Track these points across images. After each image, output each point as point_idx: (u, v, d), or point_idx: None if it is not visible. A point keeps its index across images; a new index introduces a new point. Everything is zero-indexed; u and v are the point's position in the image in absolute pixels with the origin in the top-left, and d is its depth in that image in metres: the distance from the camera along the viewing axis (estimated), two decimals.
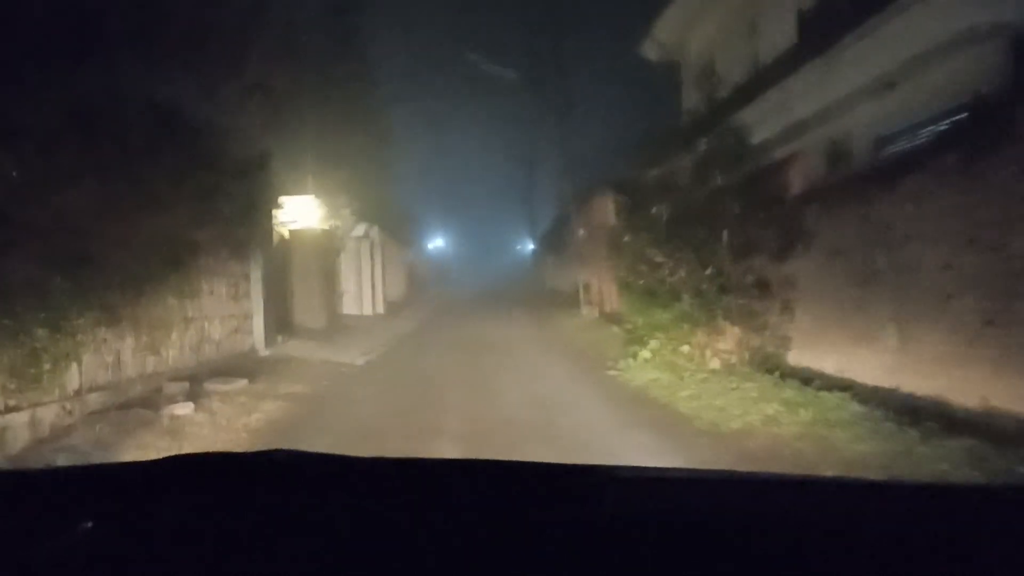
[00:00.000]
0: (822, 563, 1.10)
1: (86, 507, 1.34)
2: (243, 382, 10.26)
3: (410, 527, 1.23)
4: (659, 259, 10.27)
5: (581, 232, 24.19)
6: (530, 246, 63.34)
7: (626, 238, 11.17)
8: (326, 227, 21.53)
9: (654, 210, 10.17)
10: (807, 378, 8.92)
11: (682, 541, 1.16)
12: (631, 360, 11.44)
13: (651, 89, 27.96)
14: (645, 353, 10.99)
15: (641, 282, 10.84)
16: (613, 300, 22.33)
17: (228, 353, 12.77)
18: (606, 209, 23.10)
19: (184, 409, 8.14)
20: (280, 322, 18.14)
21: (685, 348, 10.38)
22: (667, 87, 25.97)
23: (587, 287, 24.02)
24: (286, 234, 20.51)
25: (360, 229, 27.17)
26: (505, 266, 64.82)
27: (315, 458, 1.51)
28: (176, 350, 10.53)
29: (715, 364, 10.12)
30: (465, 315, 27.99)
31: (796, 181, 10.19)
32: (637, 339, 11.47)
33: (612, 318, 20.90)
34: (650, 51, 23.08)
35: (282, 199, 20.67)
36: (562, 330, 20.36)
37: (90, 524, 1.23)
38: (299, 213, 20.80)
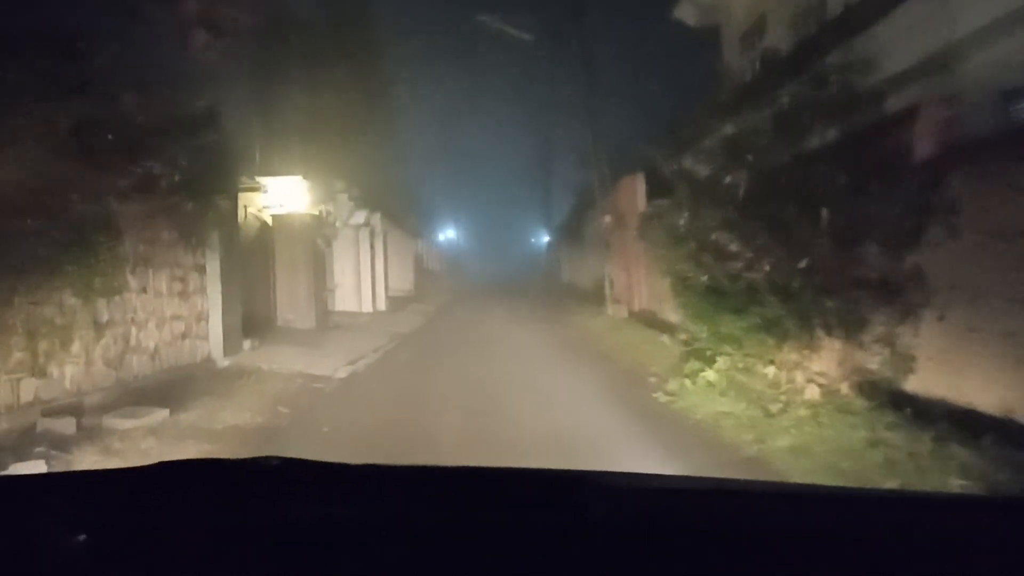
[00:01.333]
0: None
1: (76, 513, 1.34)
2: (163, 413, 7.55)
3: (403, 534, 1.24)
4: (733, 247, 7.49)
5: (607, 219, 21.37)
6: (545, 238, 61.02)
7: (681, 220, 8.38)
8: (316, 212, 18.80)
9: (728, 179, 7.37)
10: (957, 419, 6.13)
11: (677, 550, 1.16)
12: (687, 381, 8.68)
13: (684, 59, 25.11)
14: (709, 373, 8.22)
15: (704, 278, 8.06)
16: (644, 296, 19.53)
17: (171, 365, 10.10)
18: (635, 194, 20.34)
19: (34, 467, 5.42)
20: (256, 322, 15.46)
21: (769, 370, 7.60)
22: (702, 56, 23.14)
23: (613, 282, 21.22)
24: (268, 219, 17.86)
25: (360, 216, 24.49)
26: (519, 258, 62.28)
27: (308, 465, 1.48)
28: (78, 367, 7.83)
29: (812, 393, 7.33)
30: (475, 312, 25.26)
31: (925, 141, 7.37)
32: (697, 353, 8.73)
33: (644, 318, 18.12)
34: (687, 13, 20.22)
35: (263, 180, 18.08)
36: (587, 333, 17.55)
37: (83, 537, 1.22)
38: (285, 196, 18.14)
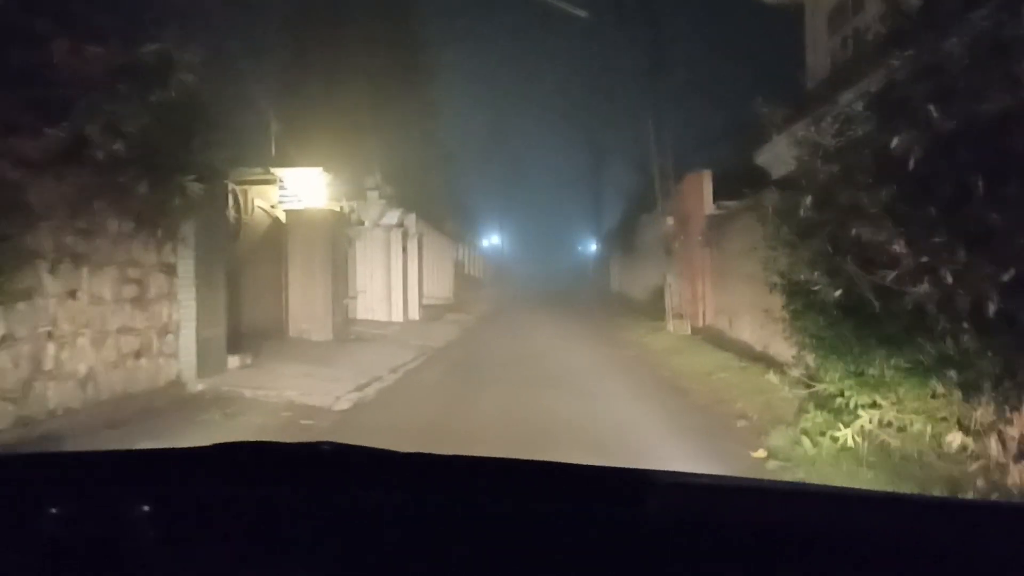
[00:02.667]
0: None
1: (138, 487, 1.39)
2: None
3: (452, 525, 1.26)
4: (895, 246, 4.91)
5: (669, 222, 18.73)
6: (593, 246, 58.68)
7: (802, 209, 5.79)
8: (336, 209, 16.54)
9: (895, 143, 4.78)
10: None
11: (722, 552, 1.16)
12: (806, 440, 6.09)
13: (757, 45, 22.44)
14: (846, 433, 5.60)
15: (838, 292, 5.46)
16: (710, 310, 16.87)
17: (116, 394, 7.82)
18: (701, 194, 17.71)
19: None
20: (261, 333, 13.24)
21: (955, 438, 4.98)
22: (777, 41, 20.48)
23: (674, 293, 18.59)
24: (281, 215, 15.65)
25: (392, 216, 22.26)
26: (566, 266, 59.83)
27: (360, 451, 1.48)
28: None
29: (1021, 476, 4.70)
30: (517, 325, 22.78)
31: None
32: (823, 400, 6.13)
33: (711, 336, 15.48)
34: None
35: (278, 171, 15.90)
36: (647, 353, 14.89)
37: (146, 508, 1.28)
38: (302, 190, 15.92)
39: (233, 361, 10.48)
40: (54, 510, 1.29)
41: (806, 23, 16.46)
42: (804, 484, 3.69)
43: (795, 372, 6.64)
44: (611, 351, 15.06)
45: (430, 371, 12.65)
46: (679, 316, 17.72)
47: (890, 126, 5.05)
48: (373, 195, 21.38)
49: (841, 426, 5.69)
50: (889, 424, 5.51)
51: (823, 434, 5.98)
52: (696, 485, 1.54)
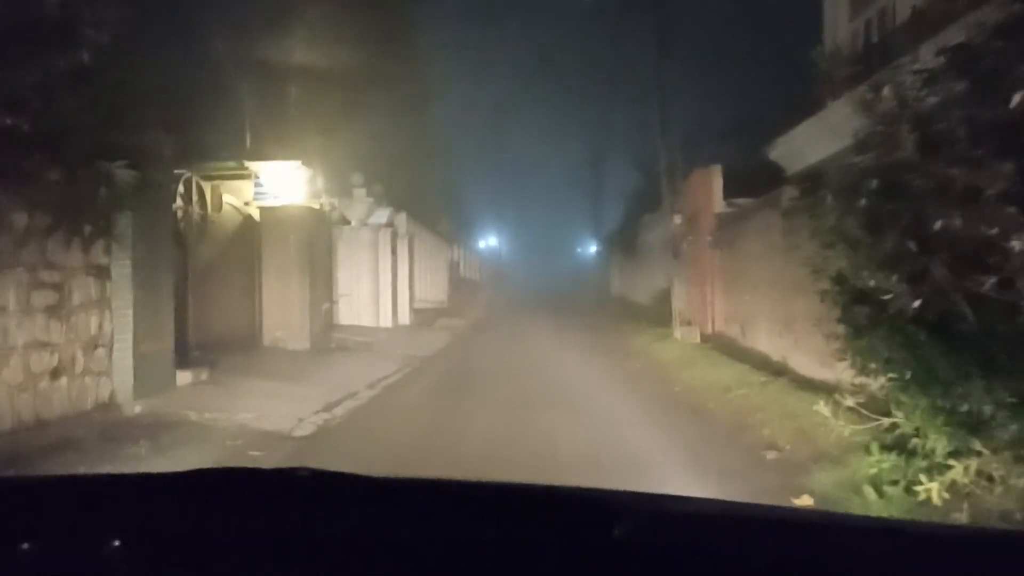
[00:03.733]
0: None
1: (109, 516, 1.36)
2: None
3: (431, 550, 1.24)
4: (1017, 245, 3.62)
5: (676, 220, 17.42)
6: (592, 247, 57.57)
7: (864, 198, 4.49)
8: (316, 206, 15.22)
9: (1017, 100, 3.49)
10: None
11: None
12: (869, 491, 4.76)
13: (768, 32, 21.14)
14: (931, 486, 4.28)
15: (916, 303, 4.16)
16: (721, 317, 15.56)
17: (27, 420, 6.49)
18: (710, 190, 16.45)
19: None
20: (231, 343, 11.95)
21: None
22: (789, 29, 19.25)
23: (682, 298, 17.27)
24: (256, 213, 14.33)
25: (381, 215, 21.00)
26: (565, 268, 58.50)
27: (338, 477, 1.45)
28: None
29: None
30: (513, 330, 21.45)
31: None
32: (896, 440, 4.83)
33: (723, 344, 14.20)
34: None
35: (253, 165, 14.59)
36: (655, 364, 13.53)
37: (116, 543, 1.24)
38: (279, 185, 14.61)
39: (184, 377, 9.16)
40: (24, 545, 1.24)
41: (825, 5, 15.19)
42: (808, 511, 3.43)
43: (849, 401, 5.31)
44: (615, 362, 13.73)
45: (413, 386, 11.32)
46: (687, 323, 16.40)
47: (1003, 80, 3.74)
48: (360, 192, 20.08)
49: (924, 477, 4.35)
50: (989, 478, 4.18)
51: (894, 483, 4.66)
52: (683, 513, 1.44)
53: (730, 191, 16.17)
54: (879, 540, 1.30)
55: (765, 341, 12.45)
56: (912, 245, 4.15)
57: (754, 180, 14.56)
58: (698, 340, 15.60)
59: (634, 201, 31.95)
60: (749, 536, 1.30)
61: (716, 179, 16.35)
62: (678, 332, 16.40)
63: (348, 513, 1.36)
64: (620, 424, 8.25)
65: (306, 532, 1.28)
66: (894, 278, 4.19)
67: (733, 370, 11.40)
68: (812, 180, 7.47)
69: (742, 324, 14.10)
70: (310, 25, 18.13)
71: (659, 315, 18.81)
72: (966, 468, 4.15)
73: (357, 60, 19.72)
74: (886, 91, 4.24)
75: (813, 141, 11.61)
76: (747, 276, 13.85)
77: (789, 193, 12.49)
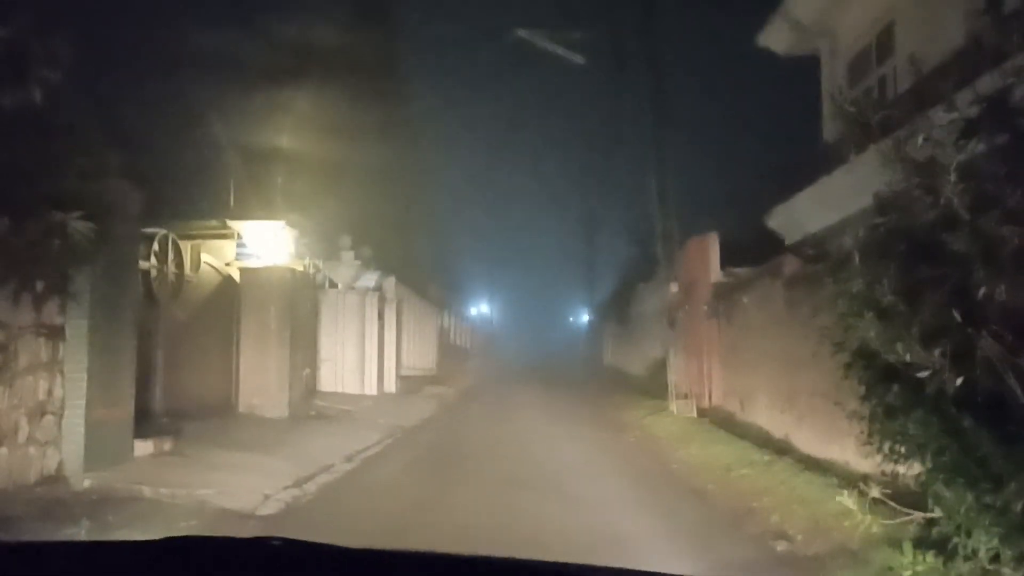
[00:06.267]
0: None
1: None
2: None
3: None
4: None
5: (673, 288, 16.96)
6: (584, 317, 57.14)
7: (893, 262, 3.96)
8: (300, 268, 14.70)
9: None
10: None
11: None
12: None
13: (763, 99, 21.11)
14: None
15: (959, 382, 3.61)
16: (719, 390, 14.95)
17: None
18: (707, 259, 16.04)
19: None
20: (205, 409, 11.26)
21: None
22: (783, 95, 19.26)
23: (677, 370, 16.66)
24: (235, 274, 13.79)
25: (369, 279, 20.44)
26: (557, 337, 58.08)
27: (310, 547, 1.49)
28: None
29: None
30: (503, 402, 20.74)
31: None
32: (934, 539, 4.21)
33: (721, 419, 13.59)
34: (777, 40, 16.05)
35: (235, 224, 14.11)
36: (651, 441, 12.81)
37: None
38: (263, 246, 14.10)
39: (144, 447, 8.46)
40: None
41: (823, 74, 14.99)
42: None
43: (875, 491, 4.69)
44: (609, 437, 13.04)
45: (394, 460, 10.59)
46: (683, 395, 15.76)
47: None
48: (348, 255, 19.59)
49: None
50: None
51: None
52: None
53: (727, 260, 15.79)
54: None
55: (766, 416, 11.87)
56: (956, 315, 3.62)
57: (752, 249, 14.23)
58: (695, 414, 14.95)
59: (628, 270, 31.69)
60: None
61: (713, 247, 15.97)
62: (674, 405, 15.75)
63: None
64: (614, 507, 7.57)
65: None
66: (937, 352, 3.64)
67: (733, 447, 10.76)
68: (819, 247, 7.03)
69: (741, 398, 13.51)
70: (301, 85, 17.94)
71: (654, 387, 18.17)
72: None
73: (349, 121, 19.49)
74: (920, 140, 3.77)
75: (815, 209, 11.23)
76: (746, 347, 13.34)
77: (791, 262, 12.12)
